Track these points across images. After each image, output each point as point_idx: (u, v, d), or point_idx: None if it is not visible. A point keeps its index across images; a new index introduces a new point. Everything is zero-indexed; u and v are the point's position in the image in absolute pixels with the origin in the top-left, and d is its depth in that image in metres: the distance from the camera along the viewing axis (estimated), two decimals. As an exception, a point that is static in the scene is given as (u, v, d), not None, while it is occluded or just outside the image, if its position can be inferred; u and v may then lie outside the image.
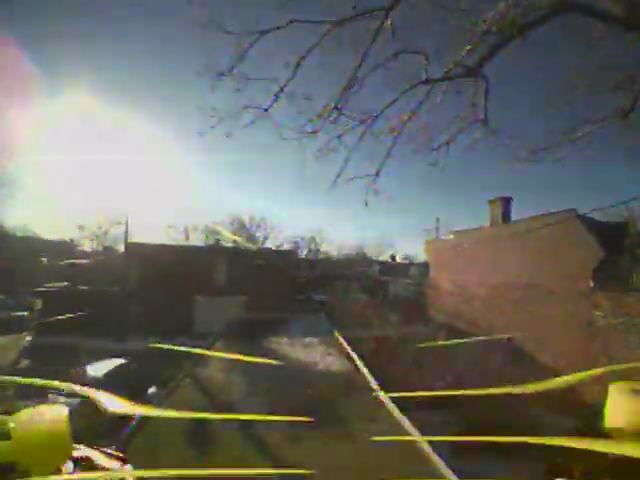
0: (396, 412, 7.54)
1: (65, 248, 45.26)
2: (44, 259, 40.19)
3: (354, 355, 11.72)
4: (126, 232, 19.67)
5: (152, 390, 10.73)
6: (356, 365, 11.16)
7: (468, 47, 5.95)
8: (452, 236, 15.34)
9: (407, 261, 47.94)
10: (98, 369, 11.90)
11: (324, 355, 11.35)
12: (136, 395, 9.97)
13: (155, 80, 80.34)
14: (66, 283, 23.84)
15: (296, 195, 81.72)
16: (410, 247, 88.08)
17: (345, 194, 79.64)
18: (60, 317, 20.05)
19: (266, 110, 5.44)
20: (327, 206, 79.55)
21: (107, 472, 1.42)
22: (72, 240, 49.27)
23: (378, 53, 5.65)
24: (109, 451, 1.61)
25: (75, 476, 1.29)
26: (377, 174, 6.54)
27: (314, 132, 5.75)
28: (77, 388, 1.35)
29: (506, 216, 14.11)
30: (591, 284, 10.95)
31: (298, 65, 5.25)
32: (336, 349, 11.59)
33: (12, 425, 1.15)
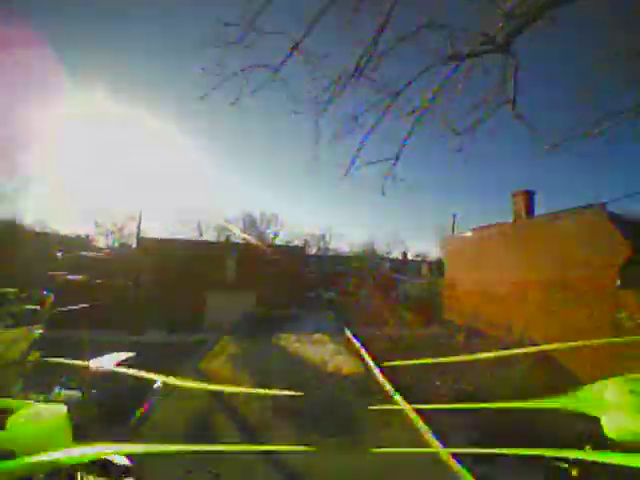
0: (419, 424, 6.75)
1: (81, 244, 46.19)
2: (59, 254, 41.06)
3: (366, 356, 11.20)
4: (138, 227, 19.66)
5: (158, 384, 10.47)
6: (369, 367, 10.62)
7: (497, 22, 5.42)
8: (470, 232, 14.68)
9: (419, 259, 47.17)
10: (102, 363, 11.74)
11: (334, 355, 11.02)
12: (140, 390, 9.76)
13: (172, 77, 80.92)
14: (79, 276, 24.00)
15: (307, 192, 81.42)
16: (422, 245, 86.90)
17: (356, 189, 78.91)
18: (73, 307, 20.34)
19: (277, 71, 4.97)
20: (337, 203, 79.09)
21: (100, 448, 1.32)
22: (88, 236, 50.19)
23: (399, 27, 5.19)
24: (112, 446, 1.52)
25: (68, 452, 1.19)
26: (397, 158, 6.05)
27: (330, 101, 5.27)
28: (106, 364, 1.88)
29: (529, 210, 13.43)
30: (618, 282, 10.29)
31: (313, 24, 4.74)
32: (347, 348, 11.45)
33: (11, 422, 1.16)
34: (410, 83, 5.42)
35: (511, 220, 14.10)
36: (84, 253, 36.09)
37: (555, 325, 11.33)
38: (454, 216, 22.25)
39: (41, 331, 20.93)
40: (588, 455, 1.02)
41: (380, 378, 9.35)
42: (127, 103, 70.29)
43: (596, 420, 1.19)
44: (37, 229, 48.13)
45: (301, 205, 78.64)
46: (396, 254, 48.35)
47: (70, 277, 24.20)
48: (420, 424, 6.58)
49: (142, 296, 19.83)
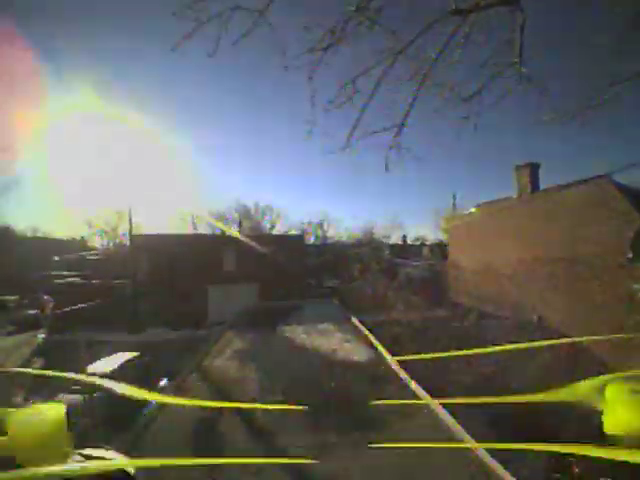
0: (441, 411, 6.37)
1: (76, 246, 45.89)
2: (56, 258, 40.89)
3: (376, 343, 10.66)
4: (130, 224, 19.07)
5: (163, 383, 10.23)
6: (380, 354, 9.99)
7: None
8: (474, 209, 14.24)
9: (418, 242, 46.84)
10: (106, 365, 11.45)
11: (342, 343, 10.49)
12: (146, 389, 9.51)
13: (157, 68, 78.80)
14: (76, 278, 23.69)
15: (301, 179, 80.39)
16: (419, 228, 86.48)
17: (356, 168, 78.02)
18: (72, 309, 20.15)
19: (262, 14, 4.39)
20: (333, 189, 78.21)
21: (102, 461, 1.38)
22: (83, 238, 49.76)
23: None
24: (109, 450, 1.59)
25: (70, 465, 1.21)
26: (402, 125, 5.54)
27: (329, 47, 4.71)
28: (96, 380, 1.50)
29: (534, 184, 12.98)
30: (629, 255, 9.97)
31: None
32: (355, 336, 10.96)
33: (10, 422, 1.18)
34: (412, 42, 4.87)
35: (515, 195, 13.69)
36: (81, 254, 35.79)
37: (567, 302, 11.05)
38: (454, 195, 21.77)
39: (43, 336, 20.85)
40: (591, 451, 1.01)
41: (393, 365, 9.00)
42: (112, 99, 68.49)
43: (597, 412, 1.18)
44: (29, 234, 47.87)
45: (295, 192, 77.78)
46: (395, 239, 48.00)
47: (67, 279, 23.92)
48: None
49: (141, 294, 19.45)
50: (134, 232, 18.98)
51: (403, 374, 8.34)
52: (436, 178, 75.61)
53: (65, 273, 27.30)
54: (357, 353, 9.83)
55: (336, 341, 10.10)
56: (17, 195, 66.58)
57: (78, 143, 60.62)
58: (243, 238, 20.99)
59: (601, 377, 1.25)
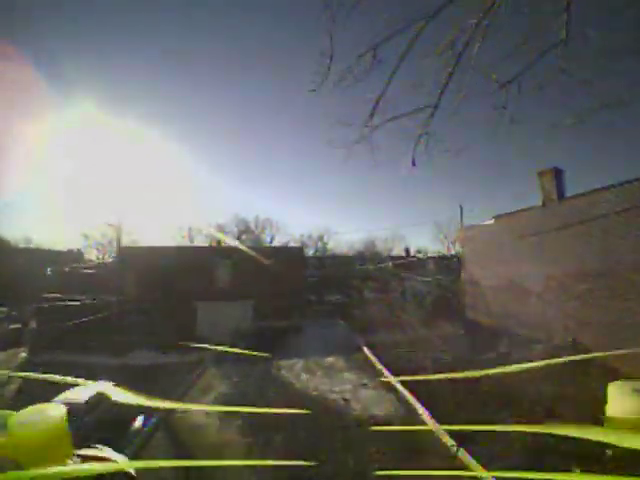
0: None
1: (71, 259, 45.05)
2: (48, 270, 40.01)
3: (403, 389, 7.42)
4: (119, 235, 17.69)
5: (138, 423, 8.50)
6: (408, 403, 6.99)
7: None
8: (493, 221, 12.89)
9: (421, 255, 45.45)
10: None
11: (356, 387, 7.45)
12: (117, 429, 7.91)
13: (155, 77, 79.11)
14: (60, 294, 22.16)
15: (301, 193, 79.64)
16: (420, 241, 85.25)
17: (352, 186, 77.33)
18: (56, 325, 18.84)
19: None
20: (333, 202, 77.36)
21: (102, 463, 1.56)
22: (79, 250, 49.04)
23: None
24: (108, 451, 1.93)
25: (70, 467, 1.32)
26: (434, 108, 4.28)
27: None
28: (90, 383, 1.73)
29: (560, 191, 11.70)
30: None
31: None
32: (369, 375, 7.97)
33: (10, 423, 1.26)
34: (441, 9, 3.70)
35: (536, 205, 12.37)
36: (74, 266, 34.59)
37: (604, 321, 9.57)
38: (461, 207, 20.49)
39: (25, 355, 19.65)
40: (593, 434, 1.02)
41: (430, 422, 6.31)
42: (110, 113, 68.37)
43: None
44: (22, 244, 47.32)
45: (295, 207, 76.86)
46: (398, 251, 46.63)
47: (51, 295, 22.46)
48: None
49: (127, 311, 17.86)
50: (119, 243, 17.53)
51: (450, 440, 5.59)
52: (435, 189, 74.93)
53: (54, 288, 25.99)
54: (378, 404, 6.84)
55: (348, 385, 7.55)
56: (15, 207, 65.71)
57: (77, 154, 59.99)
58: (239, 247, 19.48)
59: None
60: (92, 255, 48.80)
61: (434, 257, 41.80)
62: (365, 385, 6.60)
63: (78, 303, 20.30)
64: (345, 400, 5.81)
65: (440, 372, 7.35)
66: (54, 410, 1.40)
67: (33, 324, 21.49)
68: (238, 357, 8.13)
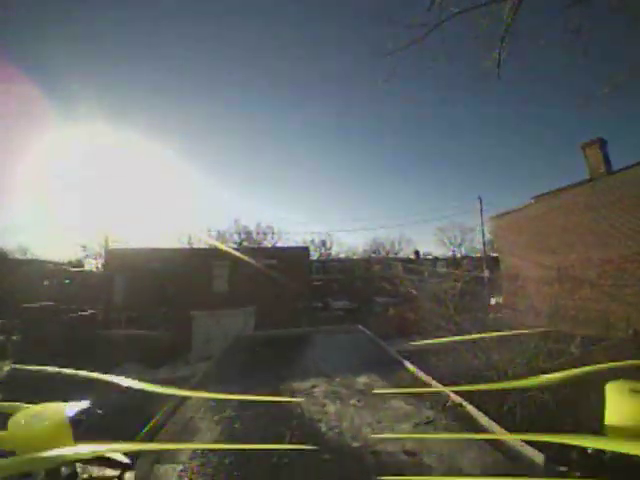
0: None
1: (70, 269, 43.88)
2: (46, 281, 39.17)
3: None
4: (106, 237, 15.98)
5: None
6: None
7: None
8: (533, 203, 11.06)
9: (430, 257, 43.55)
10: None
11: (422, 427, 3.93)
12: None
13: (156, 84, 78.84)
14: (46, 303, 20.52)
15: (303, 198, 78.36)
16: (427, 244, 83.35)
17: (356, 191, 76.06)
18: (41, 336, 17.43)
19: None
20: (335, 206, 75.93)
21: (97, 446, 1.32)
22: (79, 261, 48.08)
23: None
24: (110, 445, 1.49)
25: (65, 450, 1.16)
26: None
27: None
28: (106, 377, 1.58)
29: (608, 164, 10.01)
30: None
31: None
32: (430, 403, 4.52)
33: (11, 423, 1.26)
34: None
35: (576, 183, 10.60)
36: (68, 277, 33.35)
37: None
38: (480, 199, 18.80)
39: (8, 368, 18.32)
40: (592, 443, 1.05)
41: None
42: (110, 120, 67.71)
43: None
44: (18, 255, 46.38)
45: (297, 214, 75.37)
46: (406, 254, 44.77)
47: (40, 304, 20.87)
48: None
49: (114, 322, 16.06)
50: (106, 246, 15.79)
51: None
52: (439, 187, 73.46)
53: (50, 298, 24.54)
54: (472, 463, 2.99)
55: (405, 424, 4.00)
56: (12, 219, 64.81)
57: (76, 163, 59.04)
58: (238, 252, 17.64)
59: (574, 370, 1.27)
60: (91, 265, 47.65)
61: (443, 259, 40.01)
62: (429, 420, 3.46)
63: (74, 314, 18.76)
64: (410, 454, 2.88)
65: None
66: (54, 409, 1.33)
67: (17, 336, 20.26)
68: (230, 376, 5.55)
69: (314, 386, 4.71)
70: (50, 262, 43.33)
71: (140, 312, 15.30)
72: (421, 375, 5.66)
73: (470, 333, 10.58)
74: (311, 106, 78.16)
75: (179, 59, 76.83)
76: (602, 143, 10.40)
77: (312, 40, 78.28)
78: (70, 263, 45.12)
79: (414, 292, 22.13)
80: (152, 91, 76.52)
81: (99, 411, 7.01)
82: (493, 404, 6.12)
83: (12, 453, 1.14)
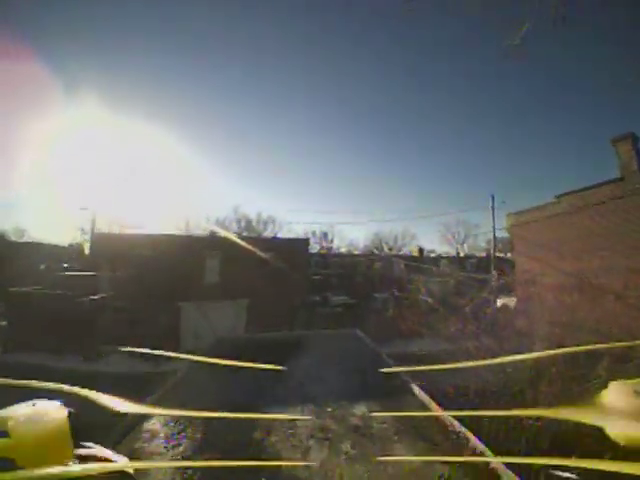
0: None
1: (73, 253, 43.68)
2: (42, 265, 38.47)
3: None
4: (92, 226, 15.12)
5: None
6: None
7: None
8: (557, 203, 9.96)
9: (433, 255, 42.64)
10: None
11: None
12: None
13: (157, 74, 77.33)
14: (33, 287, 19.82)
15: (306, 189, 77.24)
16: (430, 240, 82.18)
17: (357, 185, 74.87)
18: (25, 323, 16.88)
19: None
20: (338, 200, 74.79)
21: (104, 464, 1.39)
22: (80, 245, 47.51)
23: None
24: (111, 451, 1.57)
25: (71, 467, 1.19)
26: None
27: None
28: (75, 389, 1.34)
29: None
30: None
31: None
32: (447, 448, 3.98)
33: (11, 423, 1.17)
34: None
35: (605, 181, 9.56)
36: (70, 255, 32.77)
37: None
38: (493, 197, 17.73)
39: None
40: (596, 464, 1.01)
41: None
42: (110, 105, 66.43)
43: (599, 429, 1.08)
44: (14, 237, 45.94)
45: (299, 204, 74.26)
46: (410, 250, 43.81)
47: (24, 289, 20.17)
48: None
49: (101, 309, 15.32)
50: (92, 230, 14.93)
51: None
52: (444, 185, 72.16)
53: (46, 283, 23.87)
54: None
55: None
56: (13, 202, 64.36)
57: (76, 148, 58.14)
58: (233, 238, 16.69)
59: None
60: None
61: (447, 257, 39.01)
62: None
63: (54, 295, 18.06)
64: None
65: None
66: (54, 410, 1.21)
67: (3, 322, 19.68)
68: (197, 397, 4.46)
69: (298, 418, 3.74)
70: (49, 245, 42.81)
71: (125, 301, 14.49)
72: (424, 398, 4.83)
73: (477, 339, 9.73)
74: (319, 97, 76.50)
75: (184, 41, 75.07)
76: (634, 139, 9.35)
77: (319, 28, 76.33)
78: (71, 247, 44.68)
79: (416, 292, 21.34)
80: (155, 76, 74.98)
81: (71, 410, 6.11)
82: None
83: (12, 460, 1.08)
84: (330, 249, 45.78)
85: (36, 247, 40.52)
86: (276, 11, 74.04)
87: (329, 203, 74.43)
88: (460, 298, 16.49)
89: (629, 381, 1.15)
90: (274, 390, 4.85)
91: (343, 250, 46.82)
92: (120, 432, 4.11)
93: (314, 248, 42.20)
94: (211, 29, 74.13)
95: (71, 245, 45.20)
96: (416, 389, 4.98)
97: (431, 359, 7.38)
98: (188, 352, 8.51)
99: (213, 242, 16.44)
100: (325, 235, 46.66)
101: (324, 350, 7.41)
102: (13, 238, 46.02)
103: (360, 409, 4.36)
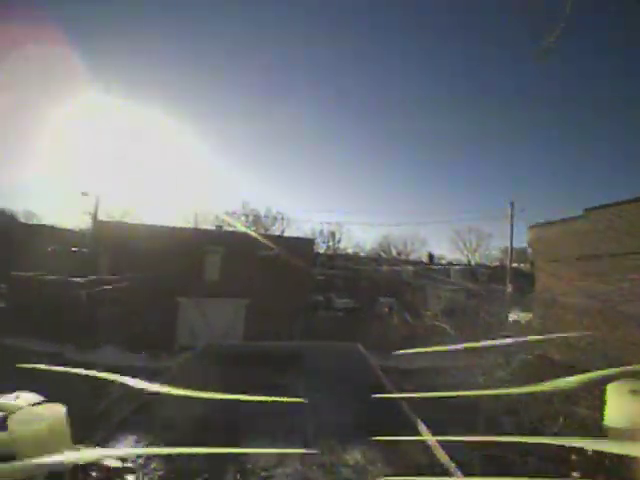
0: None
1: (80, 237, 44.04)
2: (50, 248, 38.68)
3: None
4: (95, 212, 14.84)
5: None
6: None
7: None
8: (583, 216, 9.10)
9: (443, 262, 41.55)
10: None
11: None
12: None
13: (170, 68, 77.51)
14: (33, 272, 19.75)
15: (314, 188, 76.63)
16: (440, 246, 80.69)
17: (365, 185, 73.95)
18: (22, 307, 16.77)
19: None
20: (348, 200, 73.94)
21: (100, 450, 1.52)
22: (89, 229, 47.45)
23: None
24: (110, 449, 1.92)
25: (67, 455, 1.14)
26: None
27: None
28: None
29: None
30: None
31: None
32: None
33: (10, 418, 1.21)
34: None
35: None
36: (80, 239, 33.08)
37: None
38: (512, 204, 16.86)
39: None
40: (591, 444, 0.99)
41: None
42: (123, 94, 66.84)
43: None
44: (23, 219, 46.49)
45: (308, 203, 73.64)
46: (416, 255, 42.89)
47: (26, 274, 20.14)
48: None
49: (99, 298, 15.05)
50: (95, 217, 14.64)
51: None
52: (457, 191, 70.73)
53: (51, 267, 23.91)
54: None
55: None
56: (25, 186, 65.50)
57: (92, 135, 58.75)
58: (237, 233, 16.20)
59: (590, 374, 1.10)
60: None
61: (458, 266, 37.78)
62: None
63: (53, 280, 17.90)
64: None
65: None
66: (54, 409, 1.28)
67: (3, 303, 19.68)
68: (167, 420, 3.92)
69: (279, 464, 3.07)
70: (59, 229, 43.19)
71: (123, 292, 14.16)
72: (428, 437, 4.16)
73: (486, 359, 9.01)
74: (333, 95, 75.62)
75: (200, 26, 74.80)
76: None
77: (332, 23, 75.20)
78: (81, 231, 45.03)
79: (424, 300, 20.58)
80: (176, 68, 75.00)
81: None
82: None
83: (12, 454, 1.08)
84: (337, 249, 45.13)
85: (46, 230, 40.89)
86: (291, 5, 73.24)
87: (339, 202, 73.64)
88: (471, 310, 15.71)
89: (629, 381, 1.13)
90: (257, 421, 4.22)
91: (349, 251, 46.08)
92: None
93: (320, 248, 41.64)
94: (232, 25, 73.75)
95: (81, 230, 45.57)
96: (423, 428, 4.34)
97: (441, 380, 6.68)
98: (183, 349, 8.03)
99: (216, 237, 15.96)
100: (333, 235, 46.05)
101: (320, 368, 6.74)
102: (23, 220, 46.55)
103: (354, 455, 3.68)
